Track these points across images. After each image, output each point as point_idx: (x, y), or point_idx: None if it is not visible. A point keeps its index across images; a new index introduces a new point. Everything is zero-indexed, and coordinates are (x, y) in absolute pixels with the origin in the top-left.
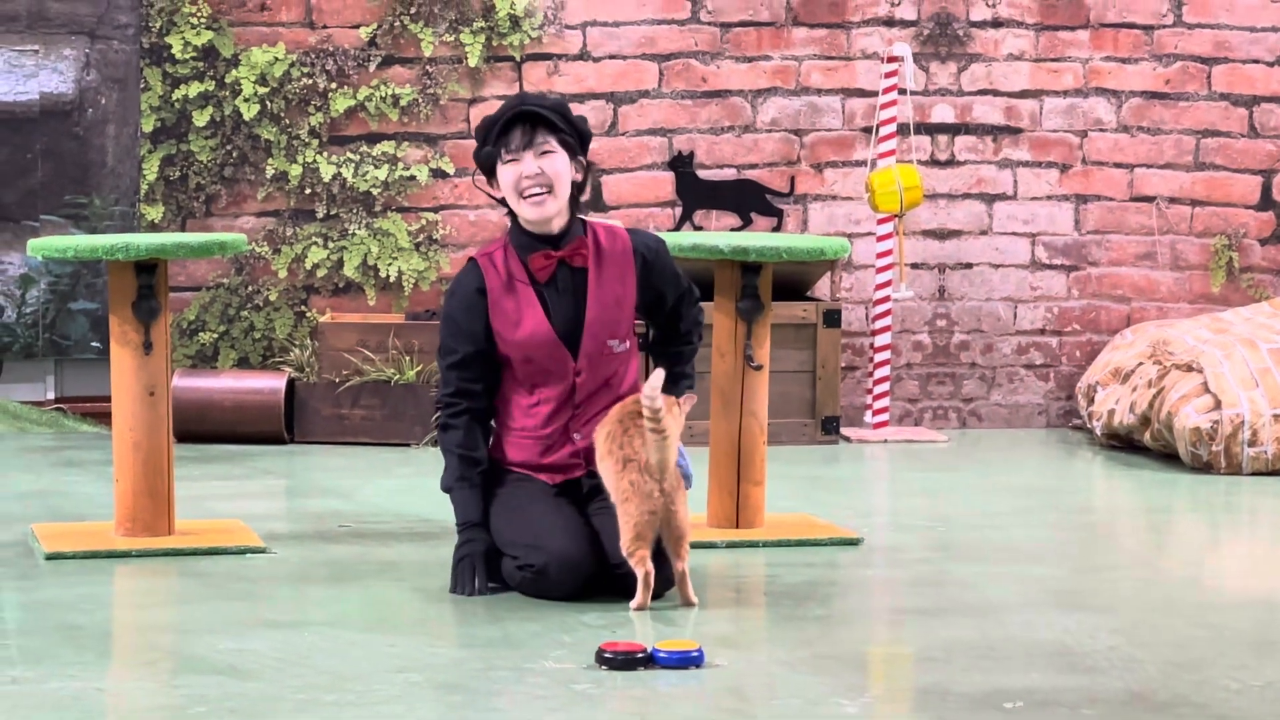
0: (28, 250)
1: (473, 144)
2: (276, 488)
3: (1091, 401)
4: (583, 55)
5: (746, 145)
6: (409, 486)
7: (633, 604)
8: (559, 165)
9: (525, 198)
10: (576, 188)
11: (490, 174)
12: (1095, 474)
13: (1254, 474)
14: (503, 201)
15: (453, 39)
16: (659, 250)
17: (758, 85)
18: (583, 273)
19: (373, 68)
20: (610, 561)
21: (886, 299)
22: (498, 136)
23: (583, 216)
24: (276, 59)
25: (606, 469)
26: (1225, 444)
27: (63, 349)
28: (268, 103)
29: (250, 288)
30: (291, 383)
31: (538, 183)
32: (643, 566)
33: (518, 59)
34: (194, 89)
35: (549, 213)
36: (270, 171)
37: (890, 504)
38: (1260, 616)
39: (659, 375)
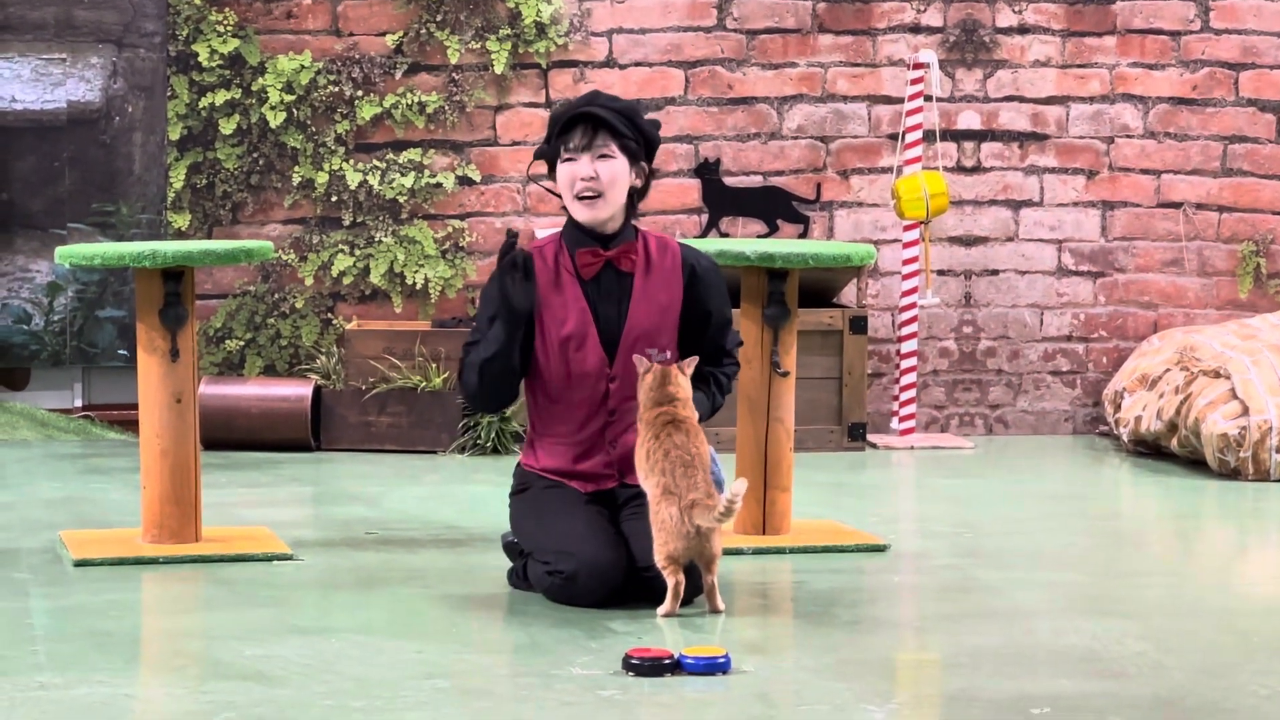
0: (55, 258)
1: (499, 151)
2: (303, 495)
3: (1118, 408)
4: (609, 62)
5: (772, 152)
6: (436, 493)
7: (660, 610)
8: (615, 170)
9: (578, 198)
10: (634, 193)
11: (553, 168)
12: (1122, 480)
13: None
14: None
15: (479, 46)
16: (710, 268)
17: (783, 92)
18: (629, 278)
19: (399, 75)
20: (639, 565)
21: (913, 305)
22: (560, 132)
23: (636, 225)
24: (303, 66)
25: (647, 487)
26: (1253, 450)
27: (90, 357)
28: (294, 110)
29: (277, 295)
30: (318, 390)
31: (590, 186)
32: (674, 577)
33: (544, 66)
34: (220, 97)
35: (600, 215)
36: (297, 179)
37: (917, 510)
38: None
39: (742, 484)
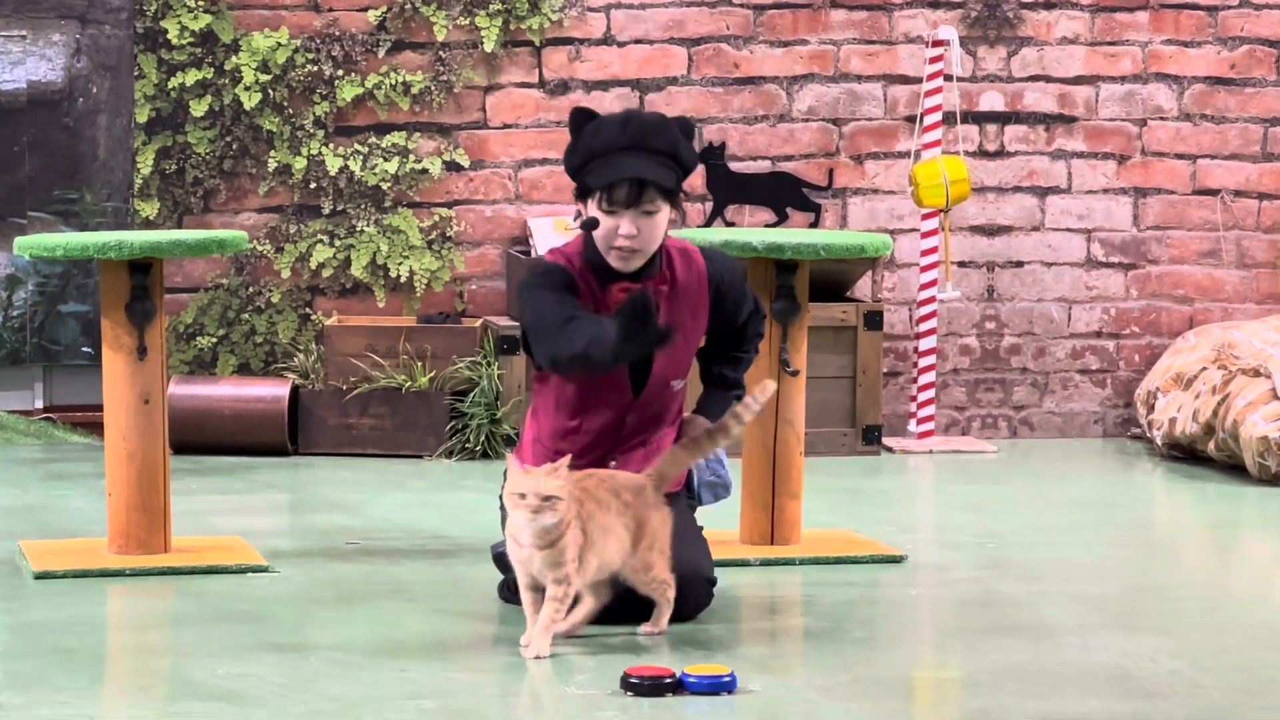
0: (14, 249)
1: (489, 134)
2: (279, 502)
3: (1151, 409)
4: (606, 40)
5: (781, 136)
6: (421, 501)
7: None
8: (657, 224)
9: (614, 248)
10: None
11: (579, 173)
12: (1155, 487)
13: None
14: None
15: (467, 22)
16: (735, 280)
17: (793, 71)
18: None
19: (382, 53)
20: None
21: (931, 300)
22: (604, 185)
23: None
24: (279, 44)
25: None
26: None
27: (52, 355)
28: (270, 91)
29: (251, 289)
30: (295, 390)
31: (632, 244)
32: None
33: (537, 44)
34: (191, 76)
35: (634, 266)
36: (273, 164)
37: (936, 519)
38: None
39: (770, 385)
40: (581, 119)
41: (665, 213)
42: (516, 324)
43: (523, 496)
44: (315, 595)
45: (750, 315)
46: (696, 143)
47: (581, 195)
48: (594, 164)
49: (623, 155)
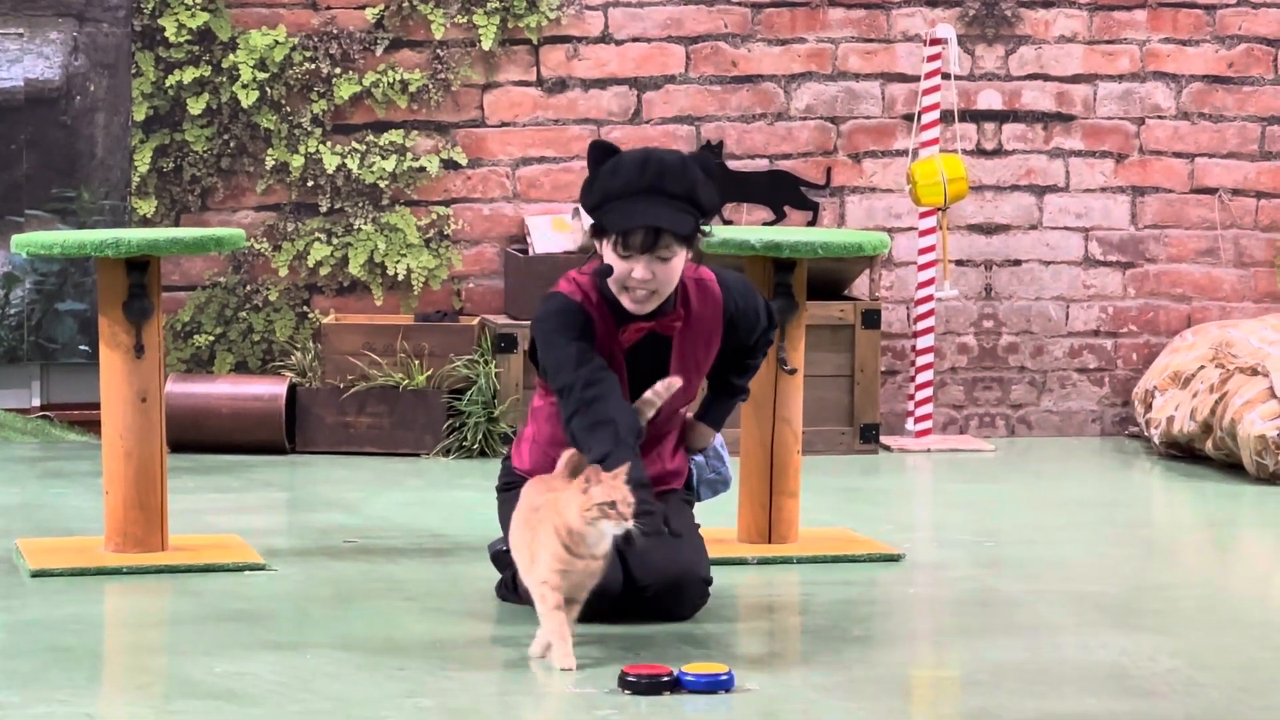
0: (11, 247)
1: (487, 133)
2: (277, 500)
3: (1149, 408)
4: (604, 38)
5: (779, 134)
6: (419, 499)
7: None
8: (673, 268)
9: (628, 291)
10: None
11: (595, 224)
12: (1153, 485)
13: None
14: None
15: (465, 20)
16: (747, 304)
17: (791, 70)
18: (668, 340)
19: (380, 51)
20: (639, 584)
21: (929, 298)
22: (619, 230)
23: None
24: (277, 42)
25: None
26: None
27: (49, 353)
28: (268, 89)
29: (249, 287)
30: (293, 388)
31: (646, 288)
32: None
33: (535, 42)
34: (189, 74)
35: (648, 309)
36: (270, 163)
37: (934, 517)
38: None
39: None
40: (599, 154)
41: (681, 256)
42: (514, 323)
43: (613, 505)
44: (313, 594)
45: (763, 335)
46: (693, 142)
47: (597, 234)
48: (610, 206)
49: (639, 200)
